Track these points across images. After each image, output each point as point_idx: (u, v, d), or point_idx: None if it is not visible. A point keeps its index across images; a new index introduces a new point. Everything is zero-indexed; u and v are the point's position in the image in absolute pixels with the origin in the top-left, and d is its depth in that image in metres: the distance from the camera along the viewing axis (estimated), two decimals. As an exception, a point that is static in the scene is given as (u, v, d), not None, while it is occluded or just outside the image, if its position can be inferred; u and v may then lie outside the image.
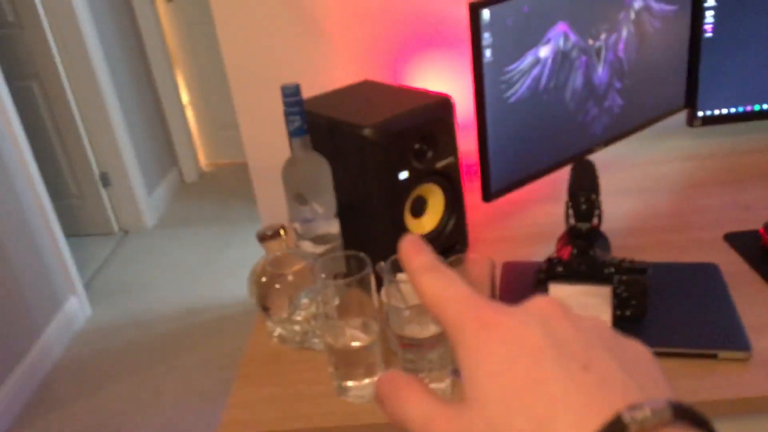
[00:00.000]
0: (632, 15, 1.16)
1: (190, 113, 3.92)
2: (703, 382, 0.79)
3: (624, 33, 1.17)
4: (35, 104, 2.99)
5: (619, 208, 1.20)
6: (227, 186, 3.73)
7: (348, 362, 0.83)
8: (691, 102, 1.28)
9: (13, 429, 2.11)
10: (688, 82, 1.27)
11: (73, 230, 3.16)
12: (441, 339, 0.79)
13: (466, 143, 1.19)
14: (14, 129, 2.33)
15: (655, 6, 1.18)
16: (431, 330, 0.78)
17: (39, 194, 2.43)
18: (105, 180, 3.20)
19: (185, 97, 3.87)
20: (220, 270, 2.90)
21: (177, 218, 3.48)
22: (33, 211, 2.40)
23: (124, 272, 3.00)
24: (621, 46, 1.17)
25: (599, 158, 1.16)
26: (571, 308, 0.28)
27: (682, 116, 1.30)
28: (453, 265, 0.80)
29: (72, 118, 3.03)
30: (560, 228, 1.05)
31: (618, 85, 1.20)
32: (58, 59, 2.92)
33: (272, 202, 1.45)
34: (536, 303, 0.28)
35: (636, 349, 0.27)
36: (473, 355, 0.26)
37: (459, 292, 0.28)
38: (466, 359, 0.26)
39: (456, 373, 0.83)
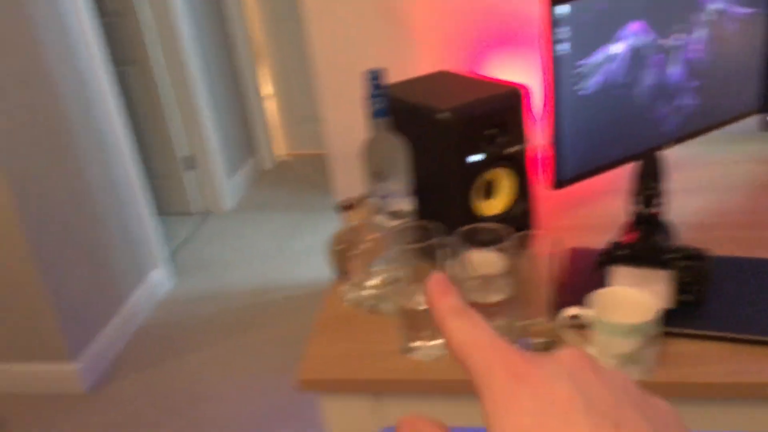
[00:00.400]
0: (709, 16, 1.18)
1: (271, 104, 4.09)
2: (761, 367, 0.83)
3: (700, 34, 1.19)
4: (130, 89, 3.20)
5: (690, 204, 1.22)
6: (302, 175, 3.87)
7: (416, 324, 0.90)
8: (766, 107, 1.28)
9: (99, 386, 2.28)
10: (763, 87, 1.28)
11: (158, 209, 3.37)
12: (504, 307, 0.85)
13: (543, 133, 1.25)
14: (114, 111, 2.52)
15: (733, 8, 1.20)
16: (495, 298, 0.84)
17: (131, 173, 2.62)
18: (189, 163, 3.39)
19: (269, 88, 4.04)
20: (292, 255, 3.03)
21: (254, 203, 3.64)
22: (126, 188, 2.58)
23: (203, 250, 3.18)
24: (697, 46, 1.19)
25: (672, 156, 1.19)
26: (598, 361, 0.28)
27: (756, 120, 1.31)
28: (520, 241, 0.86)
29: (163, 104, 3.23)
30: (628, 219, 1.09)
31: (692, 85, 1.23)
32: (152, 47, 3.12)
33: (348, 187, 1.55)
34: (565, 354, 0.27)
35: (663, 407, 0.27)
36: (502, 407, 0.26)
37: (486, 338, 0.28)
38: (494, 411, 0.26)
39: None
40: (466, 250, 0.85)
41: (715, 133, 1.30)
